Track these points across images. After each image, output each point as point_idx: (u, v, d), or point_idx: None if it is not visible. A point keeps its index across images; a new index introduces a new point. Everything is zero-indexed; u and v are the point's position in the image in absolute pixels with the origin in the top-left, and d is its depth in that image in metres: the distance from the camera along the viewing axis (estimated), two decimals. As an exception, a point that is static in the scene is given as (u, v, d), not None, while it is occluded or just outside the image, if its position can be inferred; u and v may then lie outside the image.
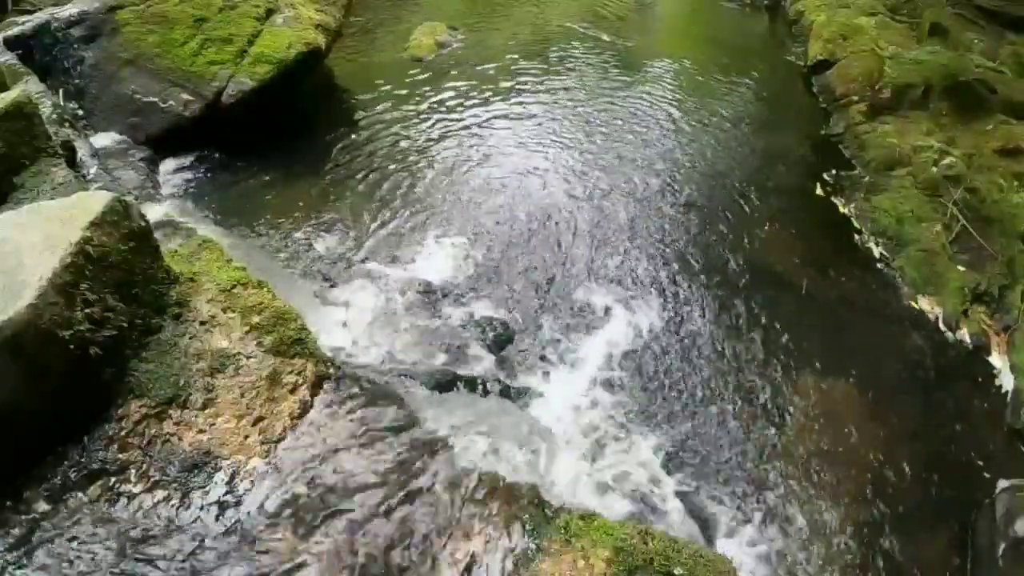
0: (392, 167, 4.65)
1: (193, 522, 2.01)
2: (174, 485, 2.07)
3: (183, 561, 1.93)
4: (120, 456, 2.09)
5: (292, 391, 2.37)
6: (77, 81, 4.37)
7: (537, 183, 4.64)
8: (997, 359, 3.69)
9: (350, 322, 3.34)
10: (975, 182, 4.62)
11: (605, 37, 6.86)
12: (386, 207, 4.28)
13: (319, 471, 2.19)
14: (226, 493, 2.08)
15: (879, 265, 4.29)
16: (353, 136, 4.93)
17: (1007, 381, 3.57)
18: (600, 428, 3.09)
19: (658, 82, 6.12)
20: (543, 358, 3.38)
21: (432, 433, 2.40)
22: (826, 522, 2.87)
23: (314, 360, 2.48)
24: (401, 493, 2.17)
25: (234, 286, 2.57)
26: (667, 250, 4.17)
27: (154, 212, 3.37)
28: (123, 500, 2.02)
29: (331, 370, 2.50)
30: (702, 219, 4.46)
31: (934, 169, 4.75)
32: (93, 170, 3.54)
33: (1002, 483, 2.97)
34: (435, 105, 5.41)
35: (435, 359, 3.19)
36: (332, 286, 3.59)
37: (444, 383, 3.03)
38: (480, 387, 3.12)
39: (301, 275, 3.66)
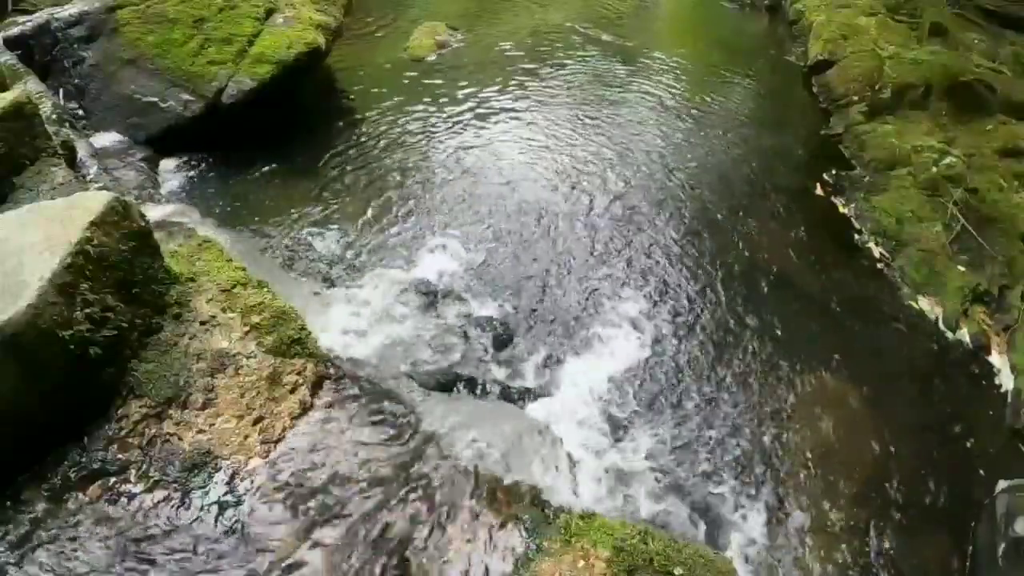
0: (392, 167, 4.65)
1: (193, 522, 2.01)
2: (174, 485, 2.07)
3: (183, 561, 1.93)
4: (120, 456, 2.09)
5: (292, 391, 2.37)
6: (77, 81, 4.37)
7: (538, 183, 4.64)
8: (997, 359, 3.69)
9: (350, 322, 3.34)
10: (975, 182, 4.61)
11: (605, 37, 6.86)
12: (386, 207, 4.28)
13: (319, 471, 2.19)
14: (226, 493, 2.08)
15: (879, 265, 4.29)
16: (353, 136, 4.93)
17: (1007, 381, 3.57)
18: (600, 427, 3.09)
19: (658, 82, 6.12)
20: (542, 357, 3.38)
21: (432, 433, 2.40)
22: (826, 522, 2.87)
23: (314, 360, 2.48)
24: (401, 493, 2.17)
25: (234, 286, 2.57)
26: (666, 250, 4.17)
27: (154, 212, 3.36)
28: (123, 500, 2.02)
29: (331, 370, 2.50)
30: (702, 219, 4.46)
31: (934, 169, 4.75)
32: (93, 170, 3.55)
33: (1002, 483, 2.97)
34: (435, 106, 5.40)
35: (435, 359, 3.19)
36: (332, 286, 3.59)
37: (444, 383, 3.03)
38: (480, 387, 3.12)
39: (301, 275, 3.66)
